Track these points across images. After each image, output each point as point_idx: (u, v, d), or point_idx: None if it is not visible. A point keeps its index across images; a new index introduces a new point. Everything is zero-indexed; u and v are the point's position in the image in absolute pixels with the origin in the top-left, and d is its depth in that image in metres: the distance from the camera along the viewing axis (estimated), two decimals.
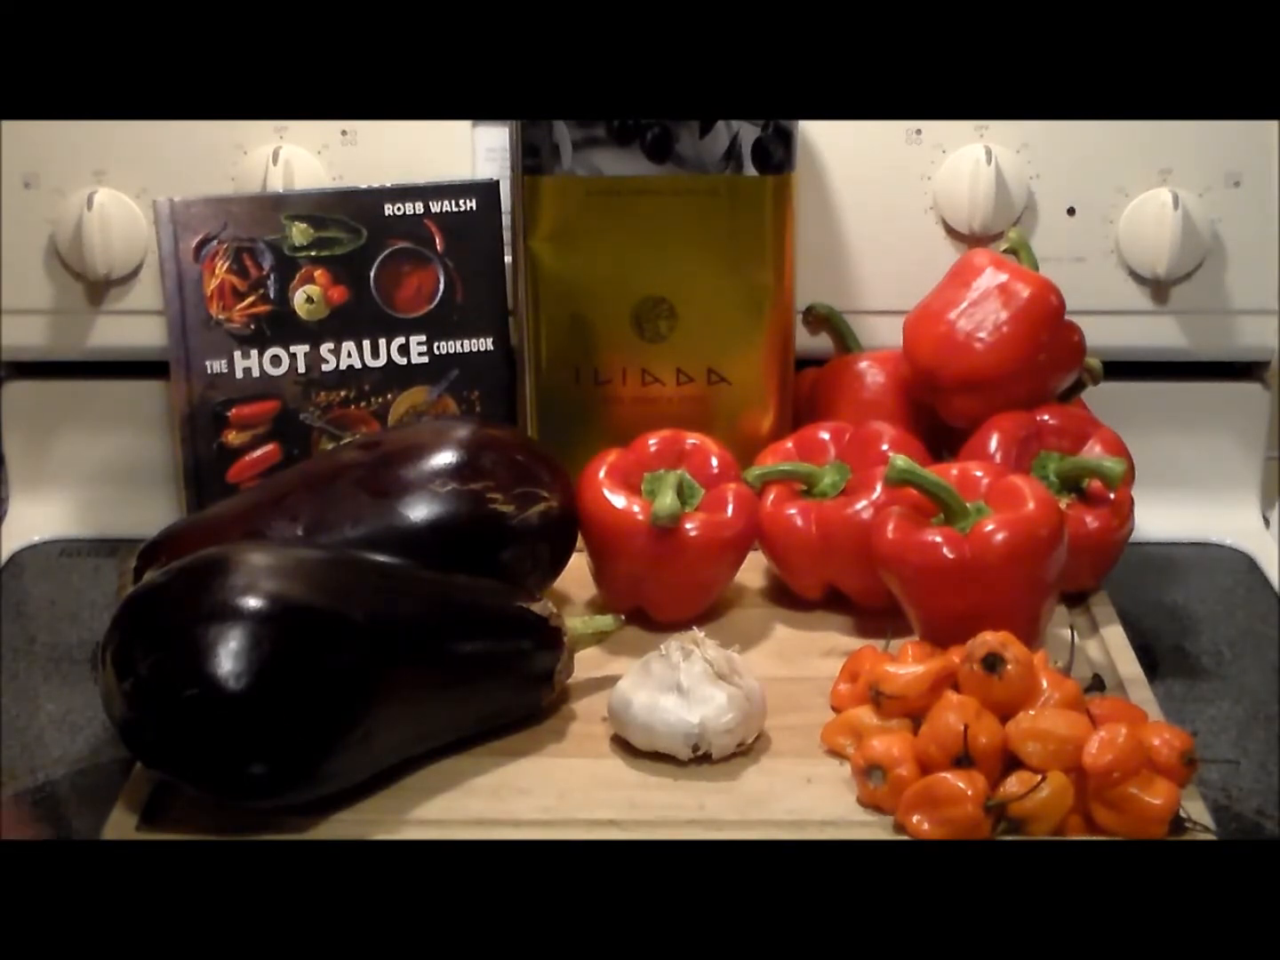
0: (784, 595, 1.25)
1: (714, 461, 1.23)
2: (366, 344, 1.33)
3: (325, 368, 1.32)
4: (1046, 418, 1.25)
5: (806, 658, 1.18)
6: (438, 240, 1.33)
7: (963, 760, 0.97)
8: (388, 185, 1.33)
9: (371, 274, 1.32)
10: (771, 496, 1.24)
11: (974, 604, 1.09)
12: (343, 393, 1.33)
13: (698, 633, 1.09)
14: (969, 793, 0.95)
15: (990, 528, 1.10)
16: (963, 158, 1.34)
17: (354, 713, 0.99)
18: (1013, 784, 0.96)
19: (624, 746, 1.07)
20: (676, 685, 1.05)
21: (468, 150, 1.37)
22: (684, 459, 1.23)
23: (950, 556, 1.10)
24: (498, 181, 1.34)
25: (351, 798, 1.00)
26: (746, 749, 1.06)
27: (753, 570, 1.23)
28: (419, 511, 1.14)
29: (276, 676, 0.97)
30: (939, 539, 1.11)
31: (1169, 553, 1.38)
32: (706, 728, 1.04)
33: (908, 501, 1.14)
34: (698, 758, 1.04)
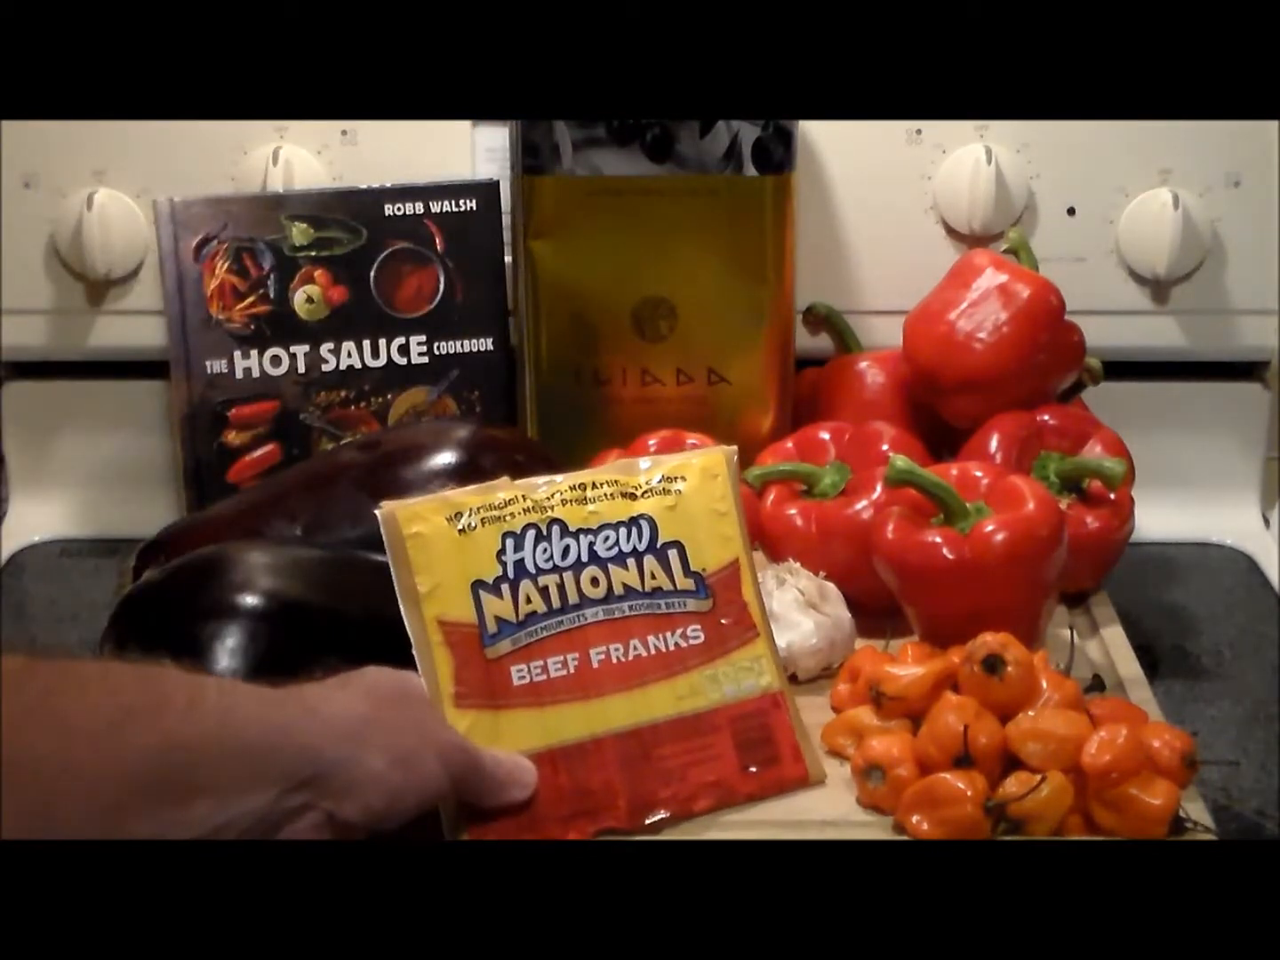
0: None
1: None
2: (366, 344, 1.33)
3: (325, 368, 1.32)
4: (1046, 418, 1.25)
5: None
6: (438, 240, 1.33)
7: (963, 760, 0.97)
8: (388, 185, 1.33)
9: (371, 274, 1.32)
10: (771, 496, 1.24)
11: (974, 604, 1.09)
12: (343, 393, 1.33)
13: (793, 563, 1.16)
14: (969, 793, 0.95)
15: (990, 528, 1.10)
16: (963, 158, 1.34)
17: None
18: (1012, 784, 0.96)
19: None
20: (769, 611, 1.09)
21: (468, 150, 1.37)
22: None
23: (950, 557, 1.10)
24: (498, 181, 1.34)
25: None
26: (832, 673, 1.12)
27: None
28: None
29: (273, 674, 0.96)
30: (939, 539, 1.11)
31: (1169, 553, 1.38)
32: (793, 651, 1.10)
33: (908, 501, 1.14)
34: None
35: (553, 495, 1.02)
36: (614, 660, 1.00)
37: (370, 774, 0.87)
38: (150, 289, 1.36)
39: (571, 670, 0.99)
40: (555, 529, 1.01)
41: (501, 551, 1.00)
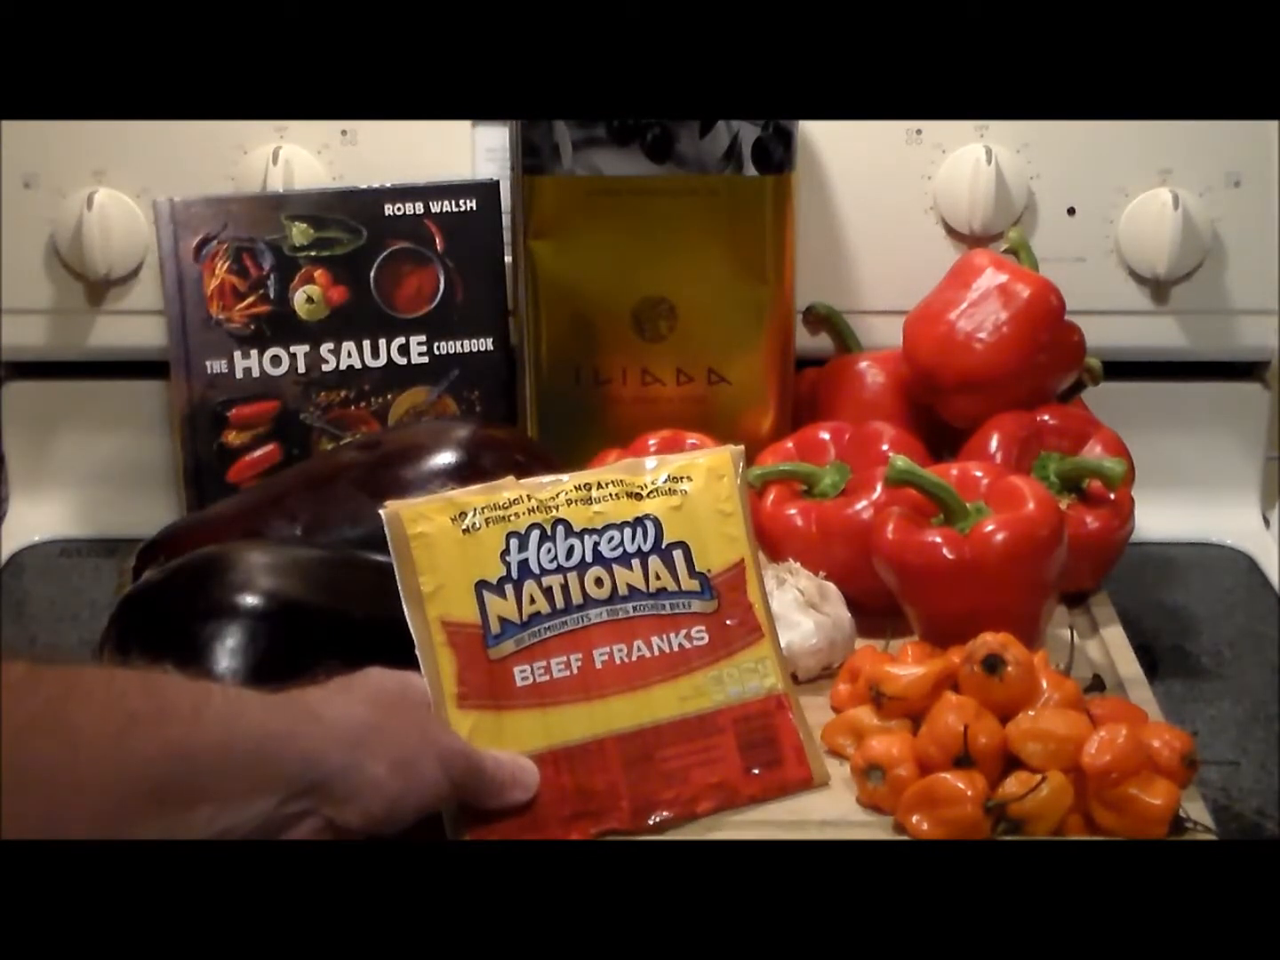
0: None
1: None
2: (366, 344, 1.33)
3: (325, 368, 1.32)
4: (1046, 418, 1.25)
5: None
6: (438, 240, 1.33)
7: (963, 760, 0.97)
8: (388, 185, 1.33)
9: (371, 274, 1.32)
10: (771, 496, 1.24)
11: (974, 604, 1.09)
12: (343, 393, 1.33)
13: (793, 563, 1.16)
14: (969, 793, 0.95)
15: (990, 528, 1.10)
16: (963, 158, 1.34)
17: None
18: (1012, 784, 0.96)
19: None
20: None
21: (468, 150, 1.37)
22: None
23: (950, 556, 1.10)
24: (498, 181, 1.34)
25: None
26: (832, 672, 1.12)
27: None
28: None
29: (273, 674, 0.96)
30: (939, 539, 1.11)
31: (1169, 553, 1.38)
32: (793, 651, 1.10)
33: (908, 501, 1.14)
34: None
35: (558, 495, 1.02)
36: (618, 661, 1.00)
37: (371, 781, 0.87)
38: (150, 289, 1.36)
39: (575, 671, 0.99)
40: (560, 529, 1.01)
41: (505, 552, 1.00)
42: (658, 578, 1.02)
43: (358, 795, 0.87)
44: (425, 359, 1.33)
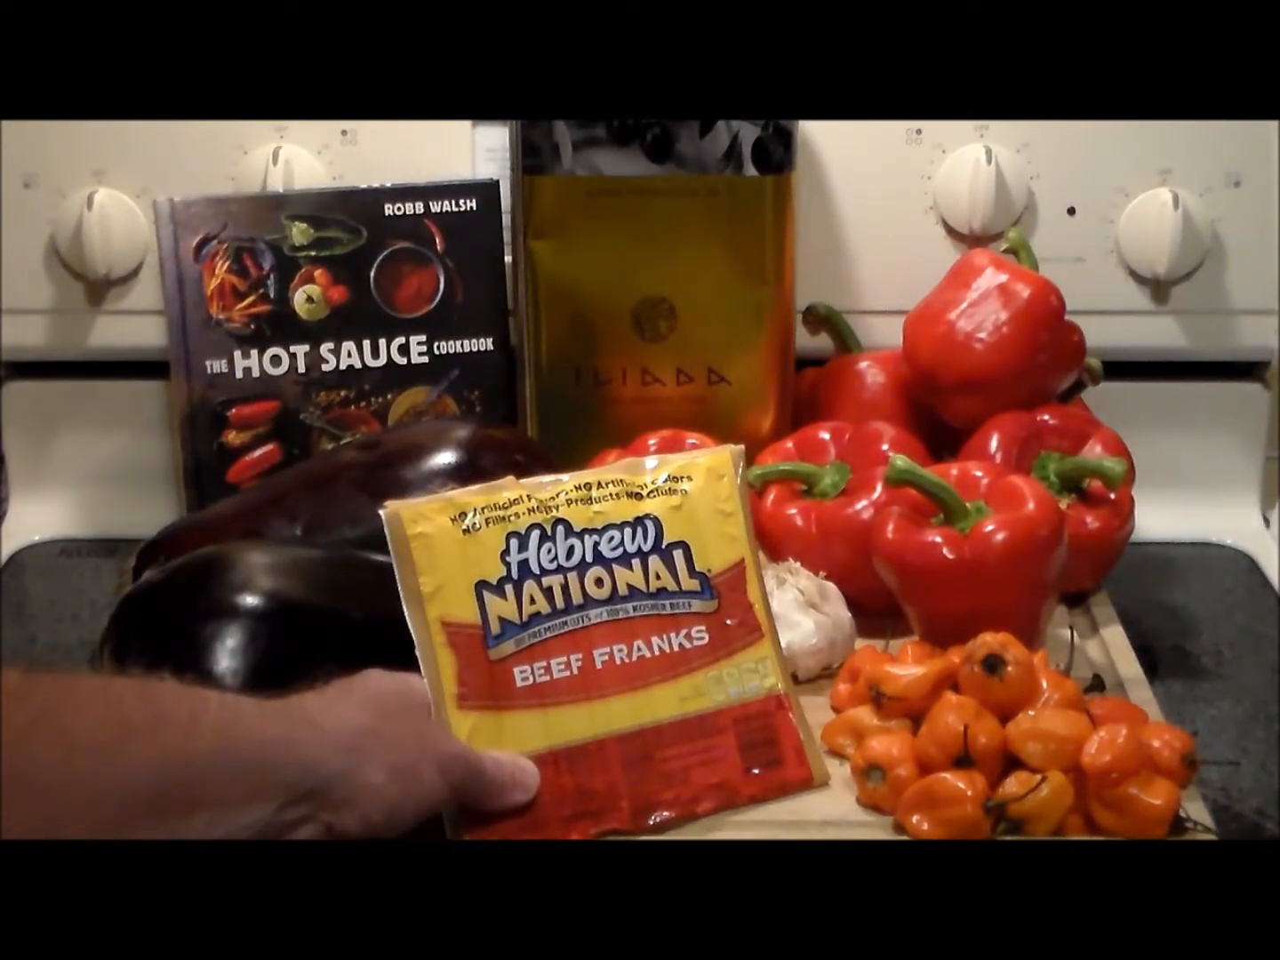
0: None
1: None
2: (366, 344, 1.33)
3: (325, 368, 1.32)
4: (1046, 418, 1.25)
5: None
6: (438, 240, 1.33)
7: (963, 760, 0.97)
8: (388, 185, 1.33)
9: (371, 274, 1.32)
10: (771, 496, 1.24)
11: (974, 604, 1.09)
12: (343, 393, 1.33)
13: (793, 563, 1.16)
14: (969, 793, 0.95)
15: (990, 528, 1.10)
16: (963, 158, 1.34)
17: None
18: (1012, 784, 0.96)
19: None
20: None
21: (468, 150, 1.37)
22: None
23: (950, 556, 1.10)
24: (498, 181, 1.34)
25: None
26: (832, 673, 1.12)
27: None
28: None
29: (273, 674, 0.97)
30: (939, 539, 1.11)
31: (1169, 553, 1.38)
32: (793, 651, 1.10)
33: (908, 501, 1.14)
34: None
35: (558, 495, 1.02)
36: (618, 661, 1.00)
37: (369, 787, 0.87)
38: (150, 289, 1.36)
39: (575, 671, 0.99)
40: (560, 529, 1.01)
41: (506, 552, 0.99)
42: (658, 577, 1.02)
43: (356, 801, 0.87)
44: (425, 359, 1.33)
